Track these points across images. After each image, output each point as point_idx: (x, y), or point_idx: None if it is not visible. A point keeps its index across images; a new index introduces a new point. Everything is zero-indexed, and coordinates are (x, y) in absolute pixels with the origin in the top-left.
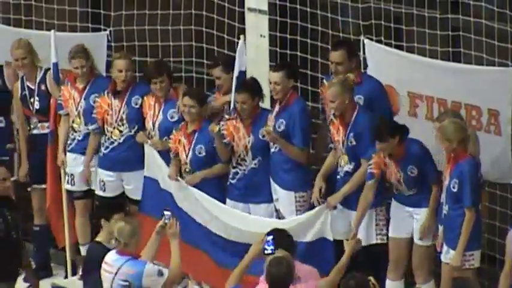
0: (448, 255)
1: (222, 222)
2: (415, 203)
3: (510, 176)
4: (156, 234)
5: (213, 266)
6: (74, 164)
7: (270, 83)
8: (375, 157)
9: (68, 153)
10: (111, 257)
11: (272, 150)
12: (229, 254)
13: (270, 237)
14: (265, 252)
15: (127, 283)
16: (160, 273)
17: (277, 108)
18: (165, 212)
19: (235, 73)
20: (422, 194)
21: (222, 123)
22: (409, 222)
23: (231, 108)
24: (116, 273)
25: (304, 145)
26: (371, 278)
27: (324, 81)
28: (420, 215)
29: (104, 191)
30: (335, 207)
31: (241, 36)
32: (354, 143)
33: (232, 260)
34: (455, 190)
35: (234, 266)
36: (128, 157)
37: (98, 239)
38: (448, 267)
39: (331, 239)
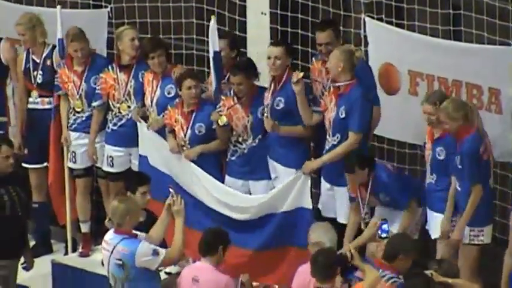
0: (434, 221)
1: (214, 197)
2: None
3: (510, 155)
4: (166, 212)
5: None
6: (76, 142)
7: (269, 58)
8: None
9: (70, 132)
10: (109, 235)
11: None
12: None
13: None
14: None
15: (120, 262)
16: (156, 253)
17: (273, 86)
18: (170, 190)
19: (210, 54)
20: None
21: (223, 111)
22: None
23: (220, 90)
24: (111, 252)
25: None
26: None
27: (313, 58)
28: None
29: (112, 166)
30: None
31: (212, 17)
32: (344, 115)
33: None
34: (460, 167)
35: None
36: (136, 132)
37: None
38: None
39: (310, 207)
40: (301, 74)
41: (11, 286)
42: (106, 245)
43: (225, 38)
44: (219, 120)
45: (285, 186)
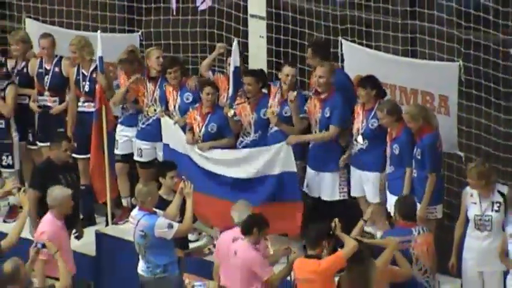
0: (390, 201)
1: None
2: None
3: (456, 147)
4: (179, 195)
5: (219, 203)
6: (120, 133)
7: (287, 75)
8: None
9: (118, 125)
10: (134, 211)
11: (270, 131)
12: (230, 188)
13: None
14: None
15: (143, 233)
16: (170, 226)
17: (280, 96)
18: (183, 177)
19: (232, 68)
20: None
21: (234, 106)
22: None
23: (237, 94)
24: (136, 225)
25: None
26: (336, 220)
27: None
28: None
29: (141, 157)
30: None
31: (235, 39)
32: (328, 114)
33: (229, 192)
34: (419, 158)
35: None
36: (160, 130)
37: (159, 192)
38: None
39: (295, 170)
40: (295, 94)
41: None
42: (132, 219)
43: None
44: (228, 113)
45: (273, 151)
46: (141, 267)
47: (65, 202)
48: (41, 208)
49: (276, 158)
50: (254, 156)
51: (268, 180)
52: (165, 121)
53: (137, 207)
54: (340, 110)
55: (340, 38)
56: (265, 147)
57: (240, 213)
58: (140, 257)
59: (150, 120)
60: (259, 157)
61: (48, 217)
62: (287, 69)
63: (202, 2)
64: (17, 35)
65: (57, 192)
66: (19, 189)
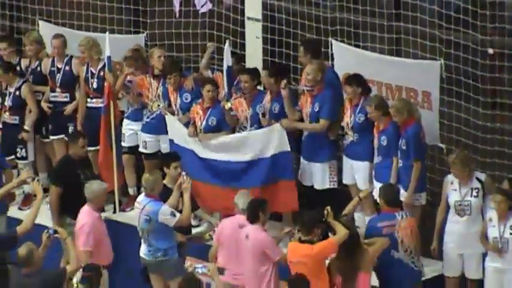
0: (377, 189)
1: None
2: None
3: (438, 139)
4: (177, 188)
5: (220, 190)
6: (126, 127)
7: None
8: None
9: (124, 119)
10: (140, 197)
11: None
12: (230, 175)
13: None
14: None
15: (148, 217)
16: (173, 214)
17: (270, 95)
18: (182, 173)
19: (224, 68)
20: None
21: (231, 100)
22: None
23: (233, 90)
24: (142, 210)
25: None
26: (328, 208)
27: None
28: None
29: (146, 148)
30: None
31: (227, 41)
32: (317, 109)
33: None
34: (404, 148)
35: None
36: (163, 124)
37: (164, 181)
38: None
39: (289, 149)
40: (285, 81)
41: None
42: (138, 204)
43: (233, 57)
44: (226, 105)
45: (266, 131)
46: (143, 250)
47: (101, 195)
48: (62, 202)
49: (271, 139)
50: (250, 138)
51: (264, 162)
52: (169, 118)
53: (143, 194)
54: (329, 104)
55: (330, 39)
56: (260, 130)
57: (244, 201)
58: (143, 240)
59: (154, 115)
60: (255, 139)
61: (86, 209)
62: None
63: (202, 6)
64: (31, 36)
65: (95, 186)
66: (33, 178)
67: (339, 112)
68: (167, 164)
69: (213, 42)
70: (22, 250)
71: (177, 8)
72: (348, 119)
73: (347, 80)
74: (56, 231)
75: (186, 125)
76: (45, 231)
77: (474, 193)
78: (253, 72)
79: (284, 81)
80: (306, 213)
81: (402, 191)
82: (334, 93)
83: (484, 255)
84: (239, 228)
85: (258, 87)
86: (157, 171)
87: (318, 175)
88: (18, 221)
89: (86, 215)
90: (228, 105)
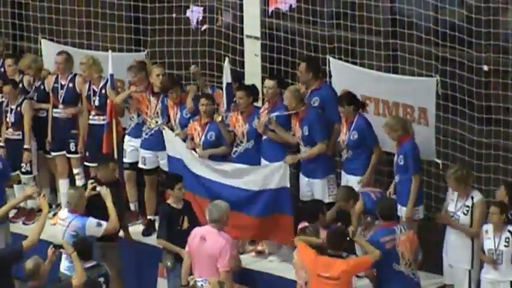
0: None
1: (218, 171)
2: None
3: (434, 154)
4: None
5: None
6: (127, 143)
7: (265, 87)
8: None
9: (126, 136)
10: (64, 214)
11: (264, 138)
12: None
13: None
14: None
15: (75, 233)
16: (99, 224)
17: (267, 106)
18: (97, 187)
19: (224, 84)
20: None
21: (227, 115)
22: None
23: (231, 106)
24: (67, 226)
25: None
26: (352, 227)
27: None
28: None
29: (145, 165)
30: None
31: (226, 59)
32: (307, 132)
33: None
34: (401, 163)
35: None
36: (162, 140)
37: (168, 201)
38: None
39: (288, 185)
40: (274, 117)
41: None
42: (62, 221)
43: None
44: (217, 118)
45: (272, 168)
46: (64, 266)
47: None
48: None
49: (275, 174)
50: (255, 170)
51: (265, 193)
52: (167, 133)
53: (67, 210)
54: (317, 125)
55: (328, 56)
56: (264, 166)
57: (212, 212)
58: (64, 256)
59: (153, 131)
60: (259, 172)
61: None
62: (266, 83)
63: (197, 24)
64: (23, 63)
65: None
66: (39, 193)
67: (331, 128)
68: (171, 186)
69: (196, 65)
70: (29, 263)
71: (194, 23)
72: (343, 136)
73: (338, 100)
74: (61, 246)
75: (184, 140)
76: (51, 246)
77: (464, 210)
78: (249, 89)
79: (265, 117)
80: (335, 229)
81: (399, 206)
82: (317, 113)
83: (481, 268)
84: (202, 240)
85: (255, 104)
86: (80, 187)
87: (318, 191)
88: (23, 237)
89: None
90: (218, 118)
